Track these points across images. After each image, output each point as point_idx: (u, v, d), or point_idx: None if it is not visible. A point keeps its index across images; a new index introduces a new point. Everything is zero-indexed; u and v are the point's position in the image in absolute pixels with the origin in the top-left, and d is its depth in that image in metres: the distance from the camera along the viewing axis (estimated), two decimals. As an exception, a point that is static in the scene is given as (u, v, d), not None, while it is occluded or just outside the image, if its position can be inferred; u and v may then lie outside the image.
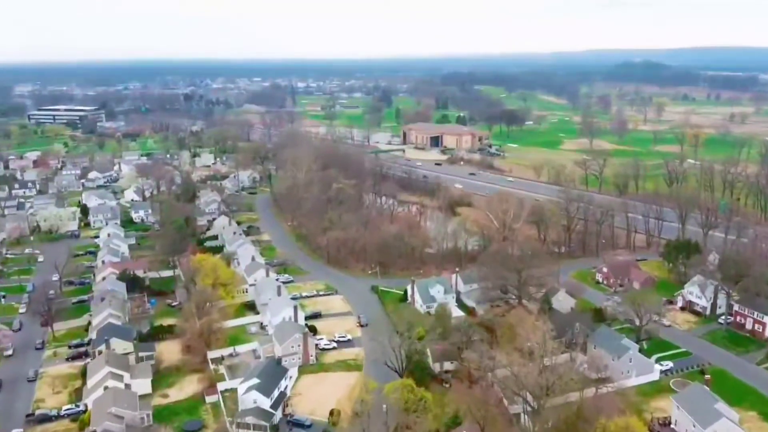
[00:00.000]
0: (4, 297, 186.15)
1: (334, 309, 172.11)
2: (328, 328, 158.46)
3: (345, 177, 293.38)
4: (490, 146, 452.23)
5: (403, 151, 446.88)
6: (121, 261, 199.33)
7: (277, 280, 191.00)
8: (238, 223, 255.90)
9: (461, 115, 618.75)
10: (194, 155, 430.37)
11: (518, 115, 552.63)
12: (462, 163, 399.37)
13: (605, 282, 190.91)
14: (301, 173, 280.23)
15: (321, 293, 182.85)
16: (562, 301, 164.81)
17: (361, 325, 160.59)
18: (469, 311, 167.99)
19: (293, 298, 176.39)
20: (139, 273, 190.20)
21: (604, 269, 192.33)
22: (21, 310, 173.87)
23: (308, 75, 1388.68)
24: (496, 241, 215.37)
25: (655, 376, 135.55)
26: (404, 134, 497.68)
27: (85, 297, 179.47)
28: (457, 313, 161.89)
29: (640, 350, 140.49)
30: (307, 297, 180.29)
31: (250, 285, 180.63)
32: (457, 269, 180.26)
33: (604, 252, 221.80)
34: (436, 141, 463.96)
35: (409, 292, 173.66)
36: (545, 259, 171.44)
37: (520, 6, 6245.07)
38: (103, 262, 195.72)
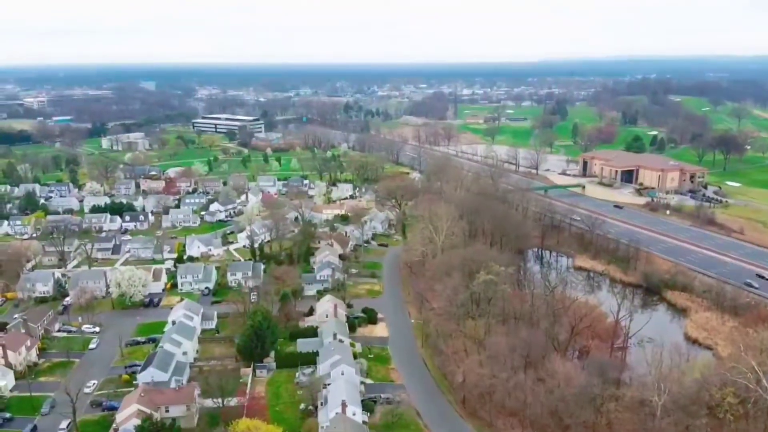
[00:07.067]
0: (10, 420, 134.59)
1: None
2: None
3: (502, 239, 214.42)
4: (705, 187, 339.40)
5: (583, 187, 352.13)
6: (168, 379, 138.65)
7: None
8: (350, 305, 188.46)
9: (657, 135, 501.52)
10: (333, 183, 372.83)
11: (739, 141, 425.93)
12: (668, 212, 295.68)
13: None
14: (440, 235, 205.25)
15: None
16: None
17: None
18: None
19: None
20: (179, 410, 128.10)
21: None
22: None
23: (476, 80, 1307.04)
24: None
25: None
26: (584, 163, 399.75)
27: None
28: None
29: None
30: None
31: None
32: None
33: None
34: (628, 175, 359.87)
35: None
36: None
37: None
38: (136, 385, 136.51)
